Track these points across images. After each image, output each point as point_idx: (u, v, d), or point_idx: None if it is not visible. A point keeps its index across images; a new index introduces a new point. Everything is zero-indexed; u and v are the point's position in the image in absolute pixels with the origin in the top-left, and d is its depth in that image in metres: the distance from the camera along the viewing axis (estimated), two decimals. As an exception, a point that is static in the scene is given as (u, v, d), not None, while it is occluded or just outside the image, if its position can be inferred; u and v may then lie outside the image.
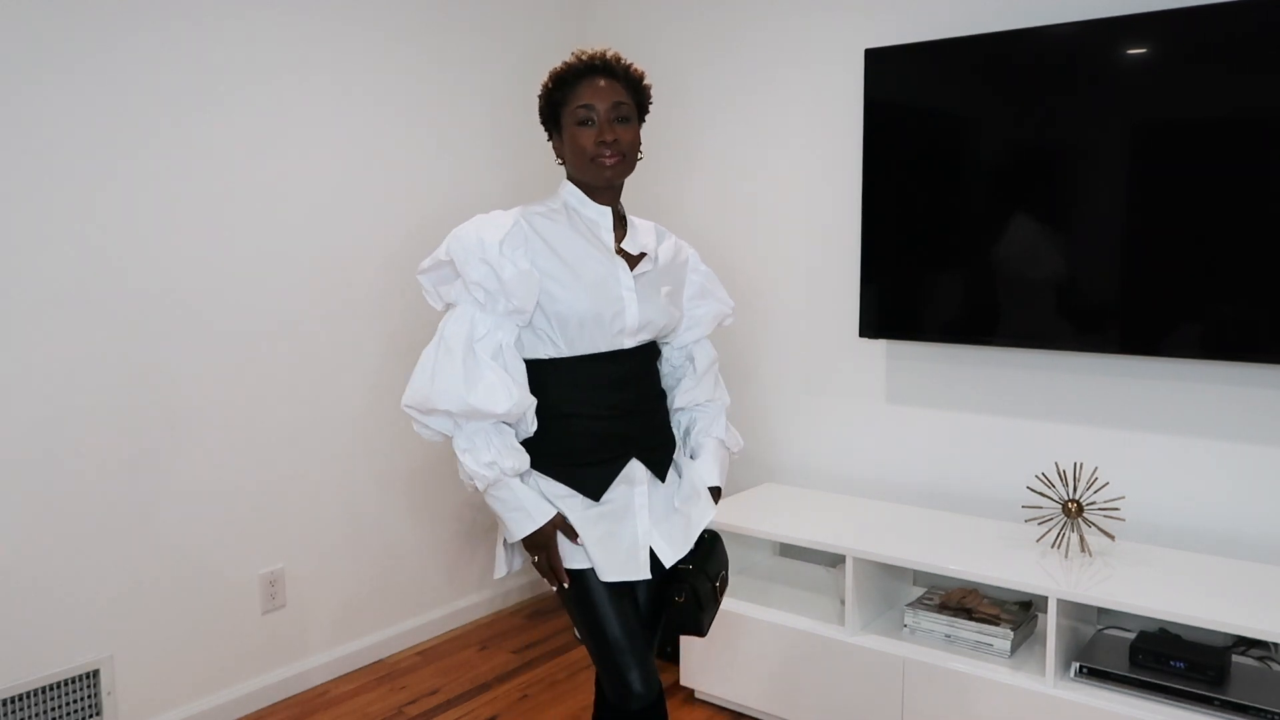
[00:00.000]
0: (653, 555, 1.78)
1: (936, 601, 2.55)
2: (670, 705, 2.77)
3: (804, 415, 3.17)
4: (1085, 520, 2.46)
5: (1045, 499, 2.53)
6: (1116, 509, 2.44)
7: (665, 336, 1.88)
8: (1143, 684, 2.19)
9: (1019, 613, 2.49)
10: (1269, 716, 2.07)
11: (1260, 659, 2.32)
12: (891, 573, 2.69)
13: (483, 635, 3.32)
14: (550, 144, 1.81)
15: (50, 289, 2.33)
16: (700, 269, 1.94)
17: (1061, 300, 2.56)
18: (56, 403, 2.35)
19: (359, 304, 3.00)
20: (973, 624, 2.44)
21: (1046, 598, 2.25)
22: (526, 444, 1.74)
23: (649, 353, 1.83)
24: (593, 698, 1.95)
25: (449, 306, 1.72)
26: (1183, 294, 2.38)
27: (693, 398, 1.90)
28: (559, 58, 1.77)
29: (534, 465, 1.74)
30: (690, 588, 1.78)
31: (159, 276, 2.53)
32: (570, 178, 1.79)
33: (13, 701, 2.32)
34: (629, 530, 1.76)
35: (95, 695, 2.46)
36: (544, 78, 1.76)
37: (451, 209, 3.20)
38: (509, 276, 1.65)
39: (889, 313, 2.84)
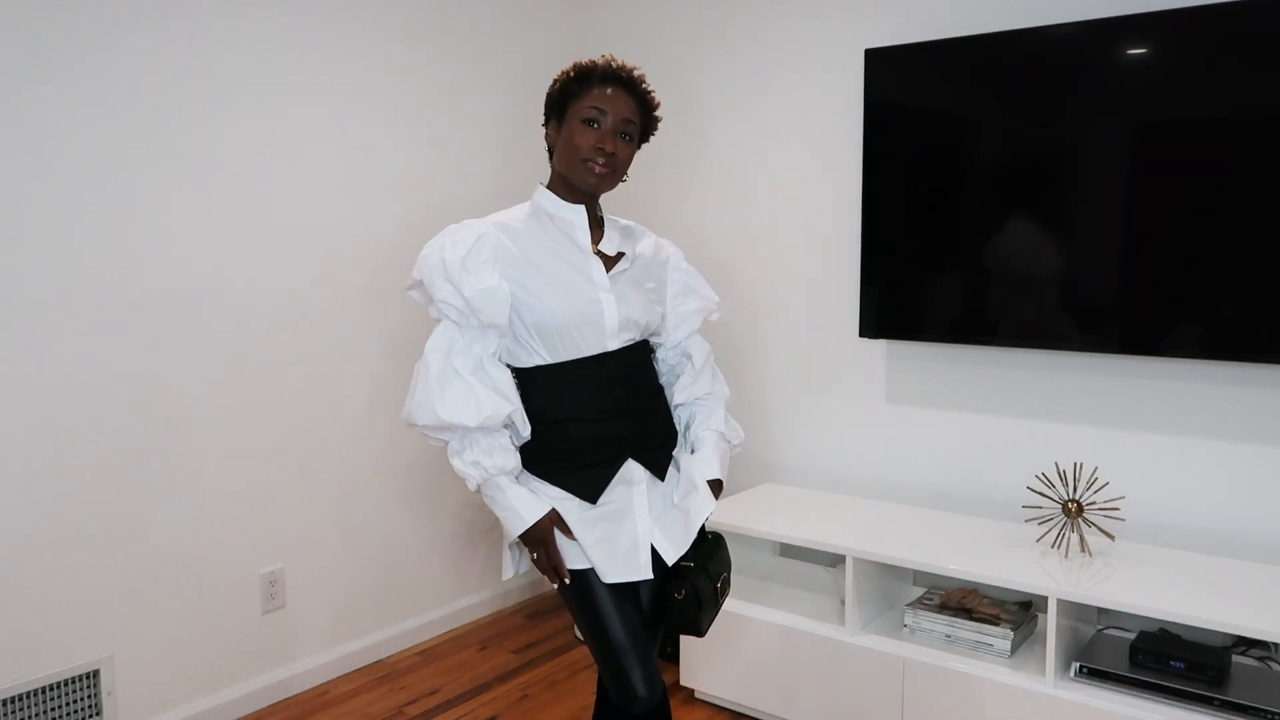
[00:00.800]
0: (655, 554, 1.78)
1: (936, 601, 2.55)
2: (670, 705, 2.78)
3: (804, 415, 3.17)
4: (1085, 520, 2.46)
5: (1045, 499, 2.53)
6: (1116, 509, 2.44)
7: (654, 335, 1.88)
8: (1143, 684, 2.19)
9: (1019, 613, 2.49)
10: (1269, 716, 2.07)
11: (1260, 659, 2.32)
12: (891, 573, 2.69)
13: (483, 635, 3.32)
14: (545, 130, 1.80)
15: (50, 289, 2.33)
16: (682, 266, 1.93)
17: (1062, 300, 2.56)
18: (56, 403, 2.35)
19: (359, 303, 3.00)
20: (973, 624, 2.44)
21: (1046, 598, 2.25)
22: (523, 450, 1.76)
23: (638, 352, 1.82)
24: (593, 698, 1.94)
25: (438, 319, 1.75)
26: (1183, 294, 2.38)
27: (691, 393, 1.89)
28: (559, 59, 1.79)
29: (531, 470, 1.76)
30: (691, 585, 1.77)
31: (159, 276, 2.53)
32: (550, 177, 1.80)
33: (13, 701, 2.31)
34: (628, 531, 1.76)
35: (95, 695, 2.46)
36: (566, 65, 1.75)
37: (451, 209, 3.20)
38: (471, 294, 1.65)
39: (889, 313, 2.84)
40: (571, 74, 1.73)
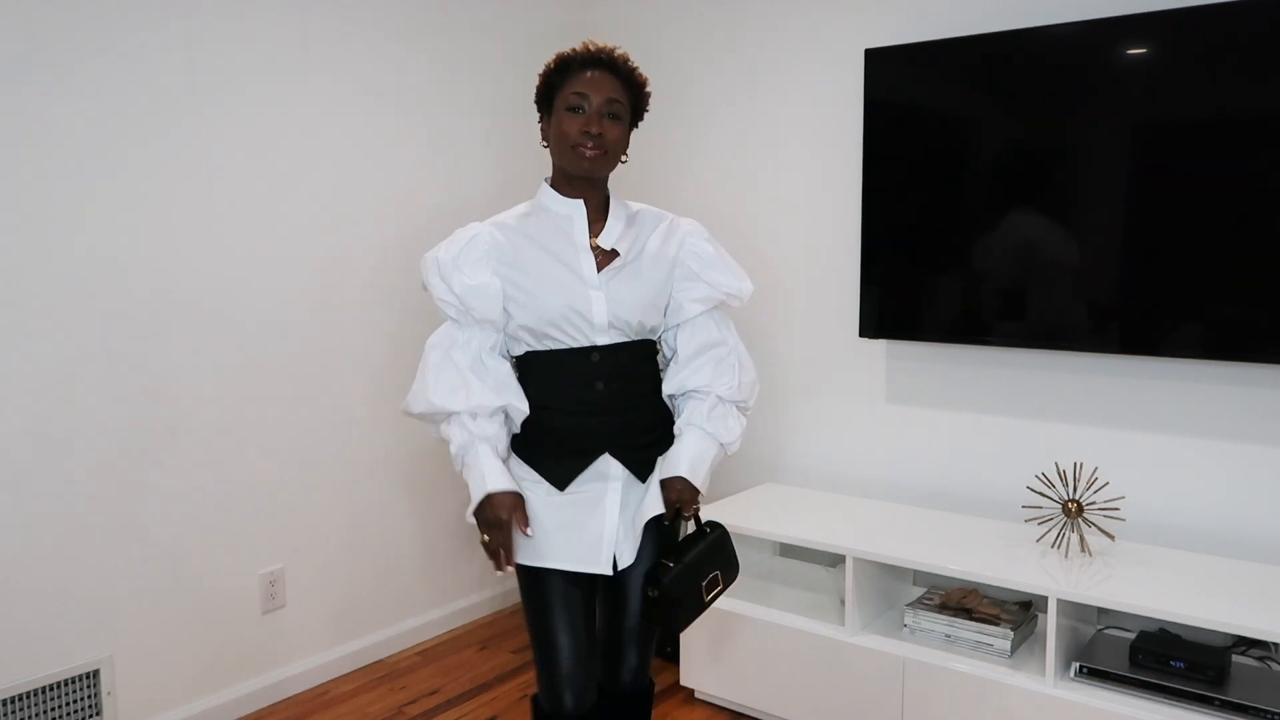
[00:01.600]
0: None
1: (936, 601, 2.55)
2: (670, 705, 2.79)
3: (804, 415, 3.17)
4: (1085, 520, 2.46)
5: (1045, 499, 2.53)
6: (1116, 509, 2.44)
7: (654, 331, 1.84)
8: (1143, 684, 2.19)
9: (1019, 613, 2.49)
10: (1269, 716, 2.07)
11: (1260, 659, 2.32)
12: (891, 573, 2.69)
13: (483, 635, 3.32)
14: (540, 125, 1.82)
15: (49, 289, 2.33)
16: (697, 250, 1.84)
17: (1062, 300, 2.56)
18: (56, 403, 2.35)
19: (359, 302, 3.00)
20: (973, 624, 2.44)
21: (1046, 598, 2.25)
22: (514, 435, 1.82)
23: (633, 349, 1.79)
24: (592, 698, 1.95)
25: None
26: (1183, 294, 2.38)
27: (678, 384, 1.84)
28: (559, 57, 1.78)
29: (515, 452, 1.81)
30: (665, 585, 1.74)
31: (158, 277, 2.53)
32: (552, 173, 1.82)
33: (13, 701, 2.32)
34: (595, 524, 1.75)
35: (95, 695, 2.46)
36: (549, 60, 1.77)
37: (450, 208, 3.20)
38: (460, 290, 1.72)
39: (889, 313, 2.84)
40: (553, 65, 1.75)
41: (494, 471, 1.72)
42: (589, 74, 1.71)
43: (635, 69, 1.76)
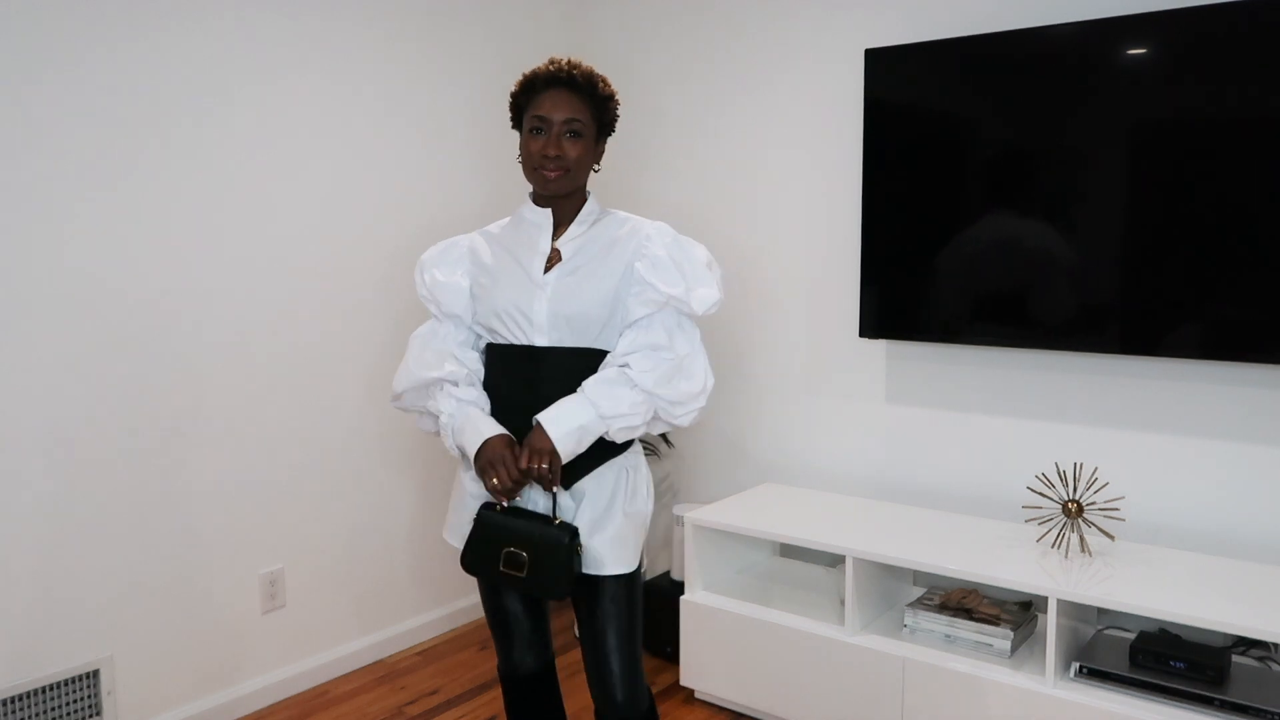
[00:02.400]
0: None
1: (936, 601, 2.55)
2: (670, 705, 2.79)
3: (804, 415, 3.17)
4: (1085, 520, 2.47)
5: (1045, 499, 2.53)
6: (1116, 509, 2.44)
7: (606, 342, 1.80)
8: (1143, 684, 2.19)
9: (1019, 613, 2.49)
10: (1269, 716, 2.07)
11: (1260, 659, 2.32)
12: (891, 573, 2.69)
13: (483, 635, 3.32)
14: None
15: (49, 291, 2.33)
16: (649, 253, 1.76)
17: (1062, 300, 2.56)
18: (57, 404, 2.35)
19: (358, 304, 3.01)
20: (973, 624, 2.44)
21: (1046, 598, 2.25)
22: None
23: (578, 357, 1.77)
24: (591, 698, 1.95)
25: None
26: (1183, 294, 2.38)
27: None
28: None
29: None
30: (479, 513, 1.80)
31: (157, 278, 2.53)
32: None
33: (13, 701, 2.32)
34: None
35: (95, 695, 2.46)
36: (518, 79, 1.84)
37: (449, 210, 3.21)
38: (431, 284, 1.88)
39: (889, 313, 2.84)
40: (518, 86, 1.82)
41: (488, 424, 1.78)
42: (550, 94, 1.76)
43: (599, 83, 1.79)
